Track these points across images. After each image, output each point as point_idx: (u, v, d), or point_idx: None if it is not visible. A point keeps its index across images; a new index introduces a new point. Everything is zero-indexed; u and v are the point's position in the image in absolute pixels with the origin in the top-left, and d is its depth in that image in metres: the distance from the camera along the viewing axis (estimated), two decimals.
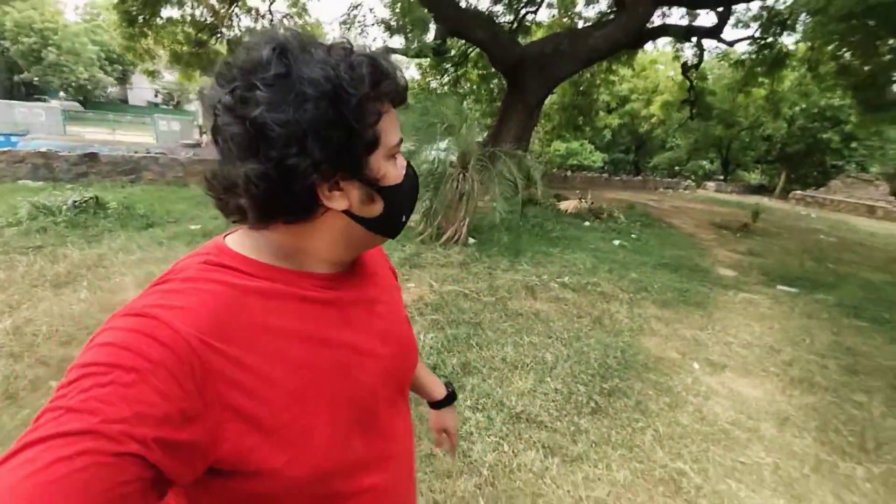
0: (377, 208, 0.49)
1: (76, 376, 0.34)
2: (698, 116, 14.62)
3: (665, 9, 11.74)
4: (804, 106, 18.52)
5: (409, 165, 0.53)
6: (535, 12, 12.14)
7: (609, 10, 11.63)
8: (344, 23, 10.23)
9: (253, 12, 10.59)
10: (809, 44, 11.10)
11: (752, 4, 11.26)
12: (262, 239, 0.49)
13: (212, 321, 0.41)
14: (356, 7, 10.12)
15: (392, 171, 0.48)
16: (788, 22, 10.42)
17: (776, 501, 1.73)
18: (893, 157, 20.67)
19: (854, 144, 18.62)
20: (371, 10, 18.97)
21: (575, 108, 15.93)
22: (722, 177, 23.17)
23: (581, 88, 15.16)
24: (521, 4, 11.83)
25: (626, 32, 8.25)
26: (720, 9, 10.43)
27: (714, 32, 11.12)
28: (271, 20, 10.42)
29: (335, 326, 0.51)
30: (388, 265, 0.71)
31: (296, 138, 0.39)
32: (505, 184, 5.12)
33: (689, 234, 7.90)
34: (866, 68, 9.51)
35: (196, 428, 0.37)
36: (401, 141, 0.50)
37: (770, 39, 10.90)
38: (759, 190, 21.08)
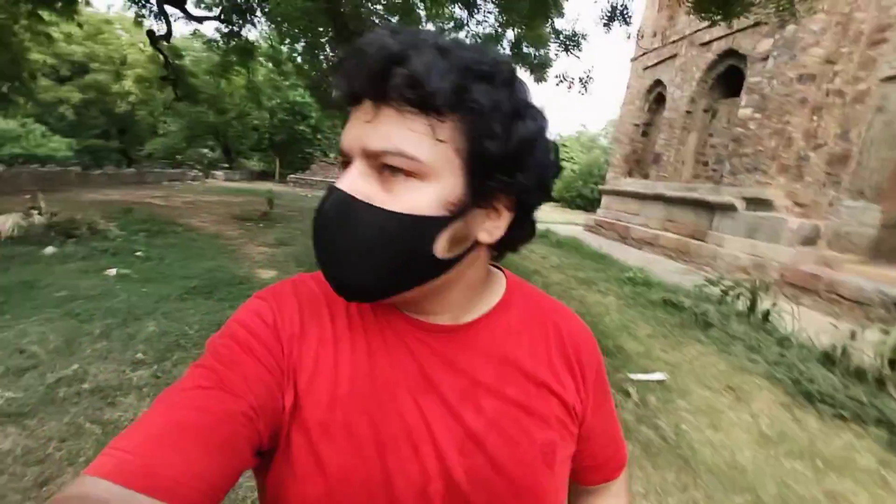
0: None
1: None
2: (185, 98, 13.33)
3: None
4: (279, 100, 21.24)
5: (328, 191, 0.39)
6: None
7: None
8: None
9: None
10: (270, 41, 12.13)
11: None
12: None
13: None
14: None
15: None
16: (248, 16, 10.70)
17: None
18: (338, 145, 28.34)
19: (319, 136, 23.63)
20: None
21: None
22: (227, 165, 23.31)
23: None
24: None
25: None
26: None
27: (178, 1, 9.84)
28: None
29: (409, 374, 0.42)
30: (590, 368, 0.50)
31: None
32: None
33: (214, 234, 6.84)
34: (314, 73, 11.54)
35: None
36: (343, 154, 0.40)
37: (235, 28, 10.95)
38: (263, 176, 22.93)
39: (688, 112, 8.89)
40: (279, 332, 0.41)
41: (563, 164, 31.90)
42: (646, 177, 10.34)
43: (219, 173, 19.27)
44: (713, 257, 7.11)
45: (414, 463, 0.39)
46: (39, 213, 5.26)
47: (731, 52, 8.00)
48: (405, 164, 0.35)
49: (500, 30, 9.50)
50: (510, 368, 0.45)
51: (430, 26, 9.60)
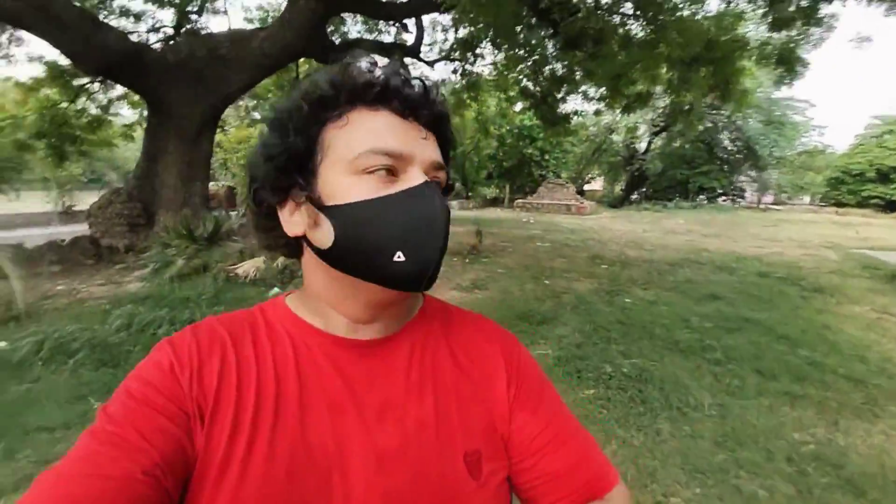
0: (327, 235, 0.41)
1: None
2: None
3: (359, 21, 10.96)
4: (508, 127, 21.72)
5: (425, 186, 0.41)
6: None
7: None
8: None
9: None
10: (496, 69, 12.10)
11: (439, 32, 11.58)
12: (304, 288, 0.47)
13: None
14: None
15: (355, 188, 0.40)
16: (474, 49, 10.80)
17: None
18: (573, 163, 26.87)
19: (547, 156, 22.95)
20: None
21: None
22: (465, 195, 25.45)
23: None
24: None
25: (294, 30, 6.46)
26: (409, 24, 10.09)
27: (413, 51, 10.82)
28: None
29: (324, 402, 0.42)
30: (508, 373, 0.49)
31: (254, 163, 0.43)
32: None
33: None
34: (538, 89, 10.68)
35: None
36: (394, 156, 0.40)
37: (464, 65, 11.29)
38: (494, 202, 23.87)
39: None
40: (178, 376, 0.40)
41: None
42: None
43: (455, 203, 21.05)
44: None
45: (329, 488, 0.38)
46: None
47: None
48: (443, 176, 0.44)
49: None
50: (431, 379, 0.45)
51: (685, 12, 7.04)
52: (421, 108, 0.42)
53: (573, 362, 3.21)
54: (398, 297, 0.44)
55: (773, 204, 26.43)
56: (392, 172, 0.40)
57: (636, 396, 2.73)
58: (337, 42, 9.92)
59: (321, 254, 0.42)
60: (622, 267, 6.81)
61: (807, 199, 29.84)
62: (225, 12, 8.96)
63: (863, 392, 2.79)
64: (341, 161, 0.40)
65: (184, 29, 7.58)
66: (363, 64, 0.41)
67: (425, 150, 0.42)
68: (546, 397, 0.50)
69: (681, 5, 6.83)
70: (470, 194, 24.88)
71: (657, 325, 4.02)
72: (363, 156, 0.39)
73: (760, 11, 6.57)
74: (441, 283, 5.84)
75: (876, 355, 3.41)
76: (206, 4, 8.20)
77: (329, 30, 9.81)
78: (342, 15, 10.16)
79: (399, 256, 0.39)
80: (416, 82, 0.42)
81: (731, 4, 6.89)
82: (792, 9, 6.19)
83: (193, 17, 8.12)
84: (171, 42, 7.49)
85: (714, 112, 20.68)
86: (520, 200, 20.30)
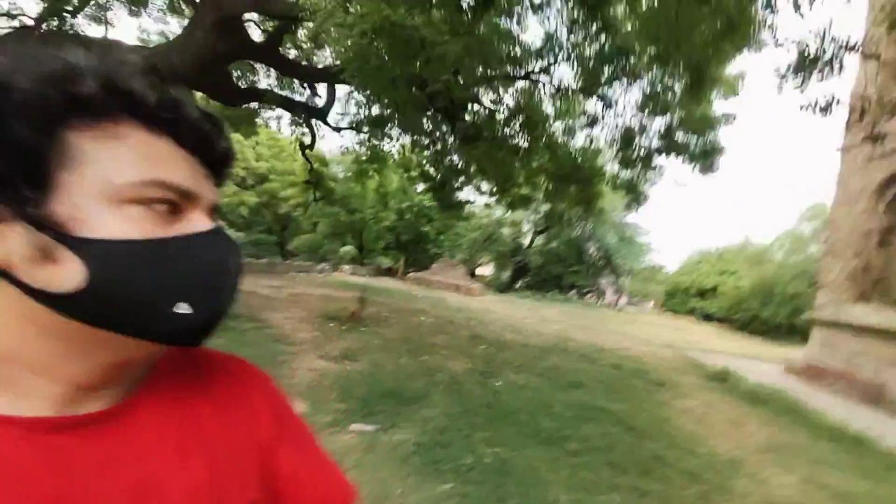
0: (70, 275, 0.31)
1: None
2: (323, 199, 14.57)
3: (272, 74, 10.76)
4: (408, 203, 22.57)
5: (215, 231, 0.37)
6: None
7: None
8: None
9: None
10: (402, 150, 12.68)
11: (353, 106, 11.91)
12: None
13: None
14: None
15: (122, 222, 0.32)
16: (383, 128, 11.23)
17: None
18: (466, 247, 28.49)
19: (442, 236, 24.07)
20: None
21: None
22: (359, 261, 24.95)
23: None
24: None
25: (184, 59, 5.92)
26: (320, 87, 10.19)
27: (322, 113, 10.81)
28: None
29: None
30: (266, 429, 0.46)
31: None
32: None
33: (285, 334, 5.83)
34: (438, 175, 11.35)
35: None
36: (180, 192, 0.35)
37: (371, 139, 11.59)
38: (388, 272, 23.67)
39: None
40: None
41: (723, 278, 27.03)
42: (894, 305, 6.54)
43: (347, 267, 20.34)
44: None
45: None
46: None
47: None
48: (219, 221, 0.39)
49: (644, 120, 7.96)
50: (194, 439, 0.40)
51: (558, 125, 8.67)
52: (210, 144, 0.38)
53: (433, 450, 2.87)
54: (154, 354, 0.37)
55: (627, 305, 30.82)
56: (173, 210, 0.35)
57: (494, 493, 2.47)
58: (248, 88, 9.52)
59: (49, 298, 0.31)
60: (499, 349, 6.90)
61: (650, 304, 35.59)
62: (110, 24, 7.91)
63: (696, 486, 2.93)
64: (102, 183, 0.31)
65: (46, 24, 6.51)
66: (135, 65, 0.33)
67: (209, 190, 0.38)
68: (302, 431, 0.50)
69: (556, 133, 8.36)
70: (365, 261, 24.44)
71: (523, 411, 3.94)
72: (141, 185, 0.32)
73: (614, 152, 8.33)
74: (308, 350, 5.18)
75: (705, 449, 3.72)
76: (88, 8, 7.29)
77: (236, 74, 9.42)
78: (255, 63, 9.90)
79: (182, 308, 0.34)
80: (202, 113, 0.37)
81: (594, 144, 8.65)
82: (635, 156, 8.01)
83: (67, 16, 7.09)
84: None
85: (583, 223, 24.29)
86: (413, 274, 20.46)
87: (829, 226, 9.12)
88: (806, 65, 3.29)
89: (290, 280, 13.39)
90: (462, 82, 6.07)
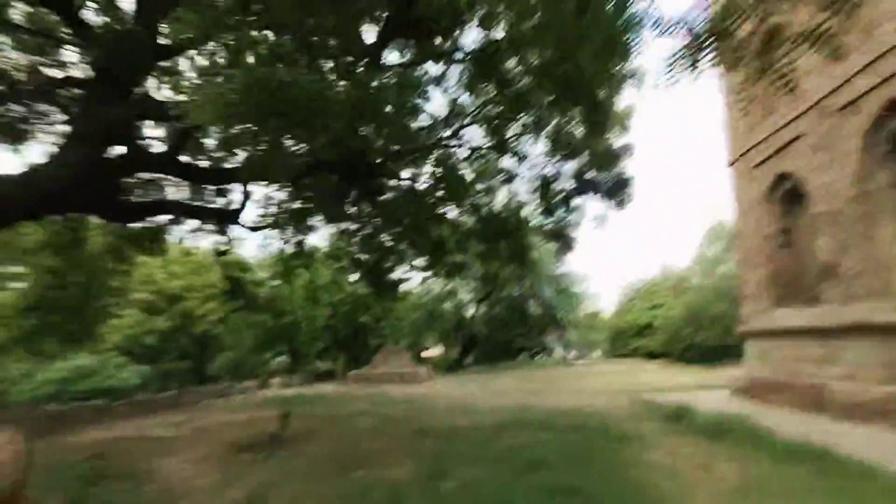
0: None
1: None
2: (244, 307, 13.28)
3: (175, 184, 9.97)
4: (342, 295, 21.44)
5: None
6: None
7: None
8: None
9: None
10: (329, 241, 12.15)
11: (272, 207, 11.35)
12: None
13: None
14: None
15: None
16: (303, 221, 10.68)
17: None
18: (409, 330, 27.23)
19: (383, 324, 22.91)
20: None
21: (55, 310, 10.66)
22: (291, 370, 22.58)
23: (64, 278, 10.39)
24: None
25: (56, 177, 5.12)
26: (231, 191, 9.59)
27: (234, 216, 10.03)
28: None
29: None
30: None
31: None
32: None
33: (171, 487, 4.55)
34: (368, 259, 10.86)
35: None
36: None
37: (294, 235, 10.94)
38: (326, 376, 21.54)
39: (858, 196, 6.14)
40: None
41: (655, 312, 28.26)
42: (814, 302, 6.94)
43: (276, 380, 18.19)
44: None
45: None
46: None
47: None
48: None
49: (556, 166, 8.47)
50: None
51: (479, 186, 9.04)
52: None
53: None
54: None
55: (575, 358, 30.85)
56: None
57: None
58: (145, 202, 8.60)
59: None
60: (449, 439, 6.05)
61: (597, 352, 36.04)
62: None
63: None
64: None
65: None
66: None
67: None
68: None
69: (479, 195, 8.58)
70: (299, 369, 22.16)
71: None
72: None
73: (536, 202, 8.71)
74: (209, 499, 4.01)
75: None
76: None
77: (139, 191, 8.54)
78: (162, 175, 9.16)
79: None
80: None
81: (515, 198, 9.01)
82: (555, 200, 8.37)
83: None
84: None
85: (521, 282, 24.74)
86: (354, 372, 18.80)
87: (736, 240, 9.87)
88: (700, 40, 3.12)
89: (203, 410, 11.39)
90: (375, 146, 6.01)
